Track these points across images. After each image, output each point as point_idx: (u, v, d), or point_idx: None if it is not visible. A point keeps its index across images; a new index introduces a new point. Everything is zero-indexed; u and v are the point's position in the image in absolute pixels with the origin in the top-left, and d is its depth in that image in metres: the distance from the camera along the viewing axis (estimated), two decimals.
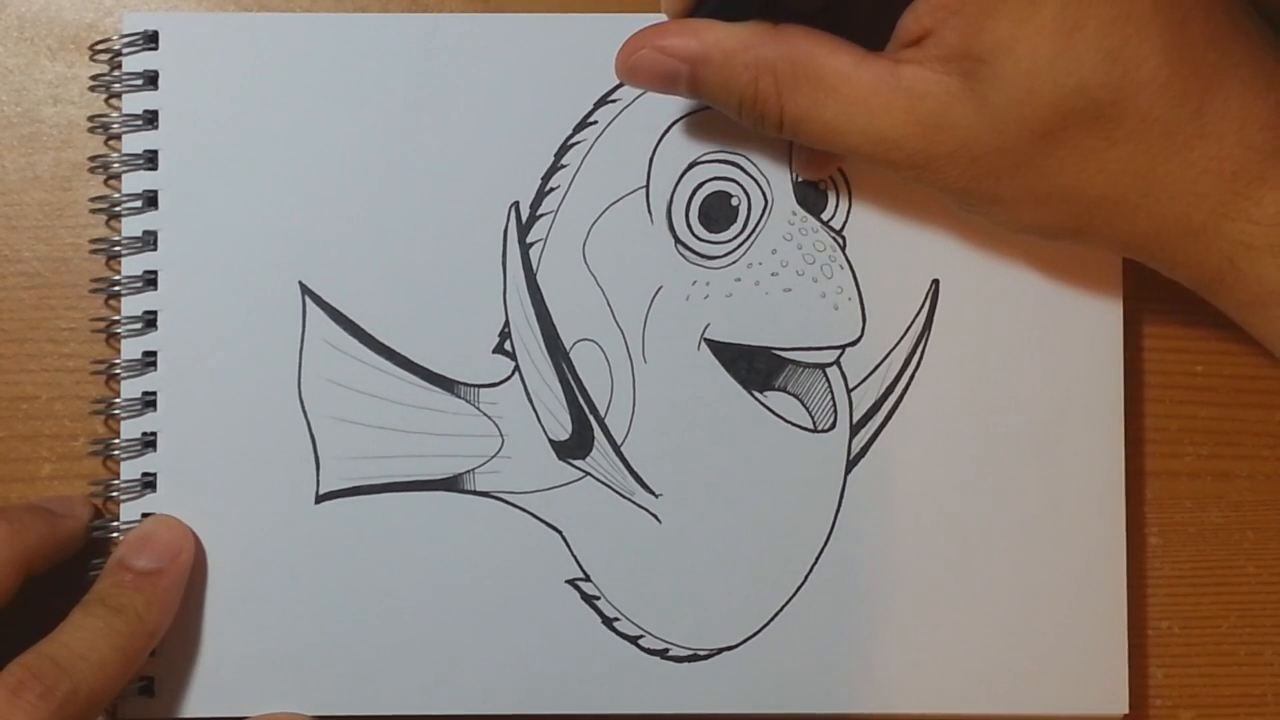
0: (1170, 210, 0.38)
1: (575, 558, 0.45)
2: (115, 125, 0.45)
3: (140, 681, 0.44)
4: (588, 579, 0.45)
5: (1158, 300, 0.46)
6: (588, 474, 0.45)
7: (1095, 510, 0.45)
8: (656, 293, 0.45)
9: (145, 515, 0.44)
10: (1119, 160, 0.38)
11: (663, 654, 0.44)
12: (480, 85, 0.45)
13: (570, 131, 0.45)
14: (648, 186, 0.45)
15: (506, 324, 0.45)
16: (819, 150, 0.42)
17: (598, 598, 0.44)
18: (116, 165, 0.45)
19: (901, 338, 0.45)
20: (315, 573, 0.44)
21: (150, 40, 0.45)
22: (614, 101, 0.45)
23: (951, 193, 0.40)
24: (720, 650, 0.45)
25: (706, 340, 0.45)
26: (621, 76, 0.41)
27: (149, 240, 0.45)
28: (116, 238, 0.45)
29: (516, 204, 0.45)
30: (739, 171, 0.45)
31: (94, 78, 0.45)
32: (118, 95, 0.45)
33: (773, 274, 0.45)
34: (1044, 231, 0.41)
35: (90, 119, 0.45)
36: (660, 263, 0.45)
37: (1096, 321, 0.45)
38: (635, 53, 0.41)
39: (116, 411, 0.44)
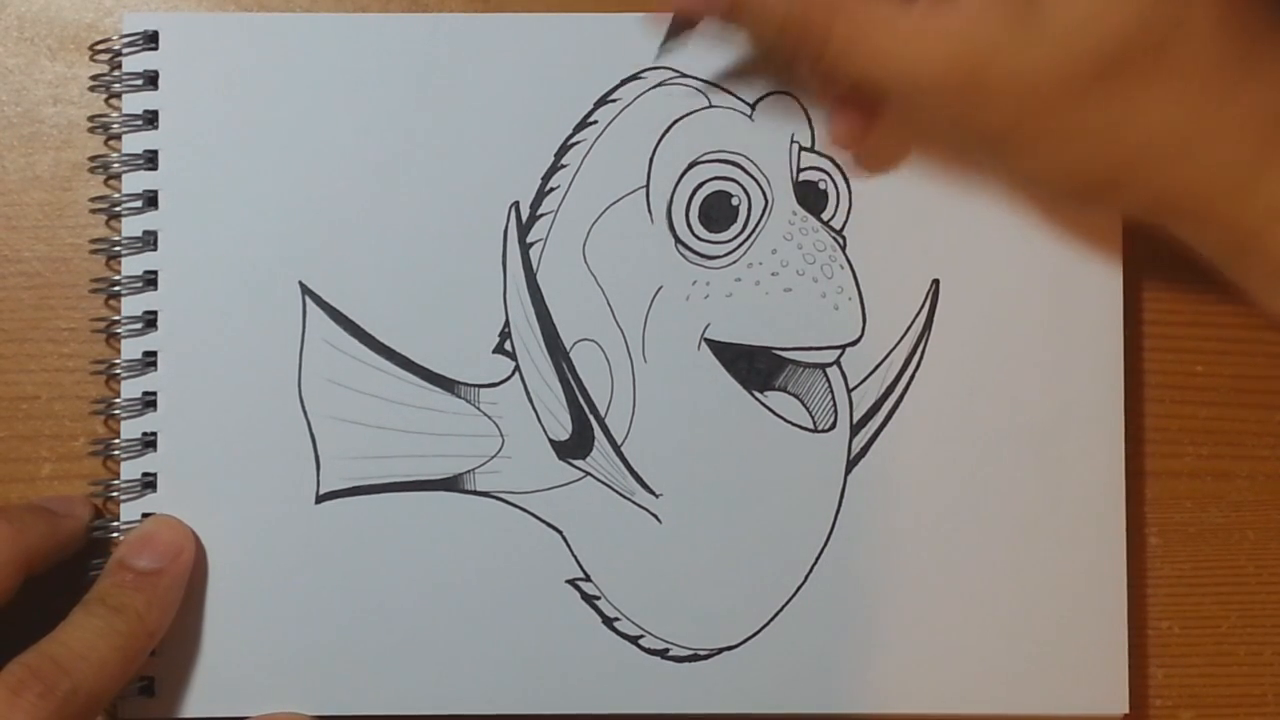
0: (1212, 159, 0.38)
1: (575, 558, 0.45)
2: (115, 125, 0.45)
3: (140, 681, 0.44)
4: (588, 579, 0.45)
5: (1158, 301, 0.46)
6: (588, 474, 0.45)
7: (1095, 510, 0.45)
8: (657, 293, 0.45)
9: (145, 515, 0.44)
10: (1166, 99, 0.37)
11: (663, 654, 0.44)
12: (480, 85, 0.45)
13: (570, 131, 0.45)
14: (648, 186, 0.45)
15: (506, 324, 0.45)
16: (855, 104, 0.41)
17: (598, 598, 0.44)
18: (116, 165, 0.45)
19: (902, 338, 0.45)
20: (315, 573, 0.44)
21: (150, 40, 0.45)
22: (614, 101, 0.45)
23: (992, 135, 0.39)
24: (720, 650, 0.45)
25: (707, 340, 0.45)
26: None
27: (149, 240, 0.44)
28: (116, 238, 0.45)
29: (516, 204, 0.45)
30: (739, 171, 0.45)
31: (94, 78, 0.46)
32: (118, 95, 0.45)
33: (773, 274, 0.45)
34: (1078, 183, 0.40)
35: (90, 119, 0.45)
36: (660, 262, 0.45)
37: (1096, 322, 0.45)
38: None
39: (116, 411, 0.44)
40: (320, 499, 0.44)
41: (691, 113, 0.45)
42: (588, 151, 0.45)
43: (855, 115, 0.43)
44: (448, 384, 0.45)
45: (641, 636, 0.44)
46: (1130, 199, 0.40)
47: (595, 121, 0.45)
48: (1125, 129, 0.38)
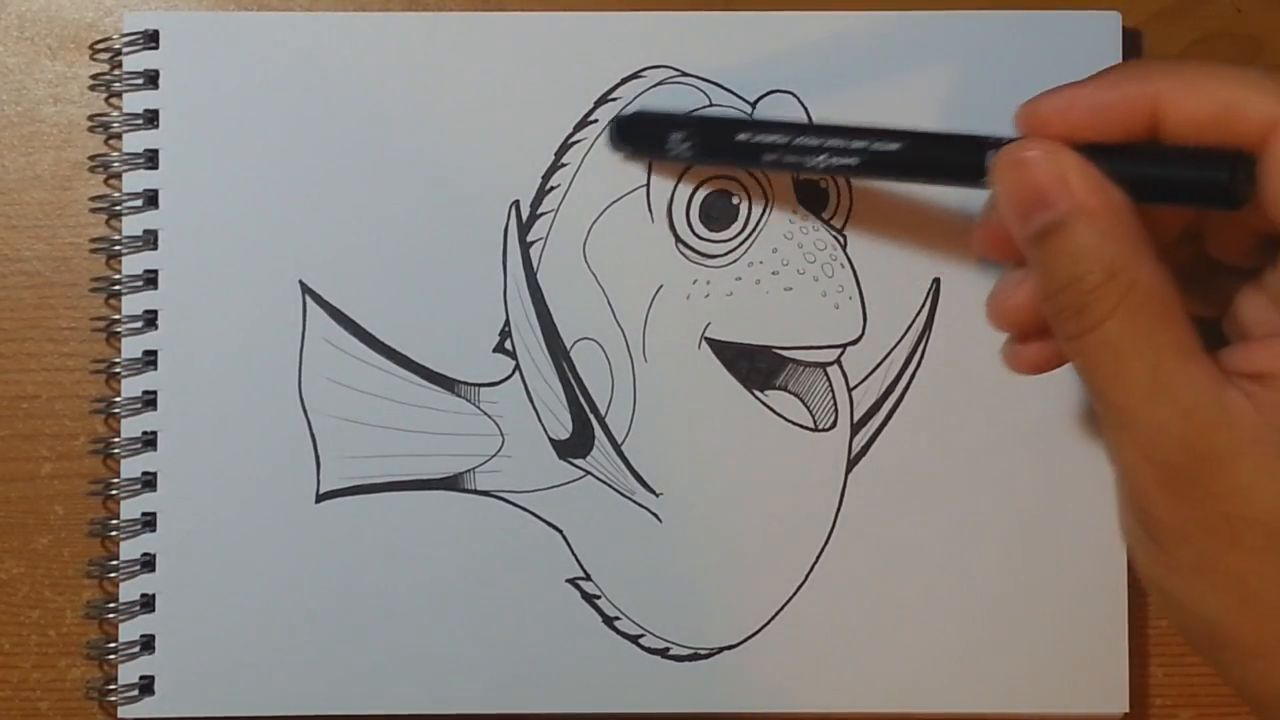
0: None
1: (576, 557, 0.45)
2: (115, 124, 0.45)
3: (141, 681, 0.44)
4: (588, 578, 0.45)
5: None
6: (588, 473, 0.45)
7: (1095, 509, 0.45)
8: (657, 292, 0.45)
9: (145, 514, 0.44)
10: None
11: (663, 653, 0.44)
12: (480, 84, 0.45)
13: (571, 130, 0.45)
14: (648, 185, 0.45)
15: (507, 323, 0.45)
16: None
17: (598, 597, 0.44)
18: (117, 164, 0.45)
19: (902, 337, 0.45)
20: (315, 573, 0.44)
21: (150, 39, 0.45)
22: (614, 100, 0.45)
23: (1167, 535, 0.33)
24: (721, 649, 0.45)
25: (707, 339, 0.45)
26: (999, 159, 0.35)
27: (149, 239, 0.45)
28: (117, 237, 0.45)
29: (517, 203, 0.45)
30: (740, 170, 0.45)
31: (94, 77, 0.45)
32: (118, 94, 0.45)
33: (773, 273, 0.45)
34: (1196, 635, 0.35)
35: (90, 118, 0.45)
36: (661, 261, 0.45)
37: None
38: (1030, 151, 0.34)
39: (117, 410, 0.44)
40: (320, 498, 0.44)
41: (691, 111, 0.45)
42: (588, 150, 0.45)
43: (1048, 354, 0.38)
44: (448, 383, 0.45)
45: (641, 636, 0.44)
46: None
47: (596, 120, 0.45)
48: None
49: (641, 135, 0.44)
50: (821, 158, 0.40)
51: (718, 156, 0.43)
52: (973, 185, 0.36)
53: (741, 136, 0.41)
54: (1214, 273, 0.37)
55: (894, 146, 0.39)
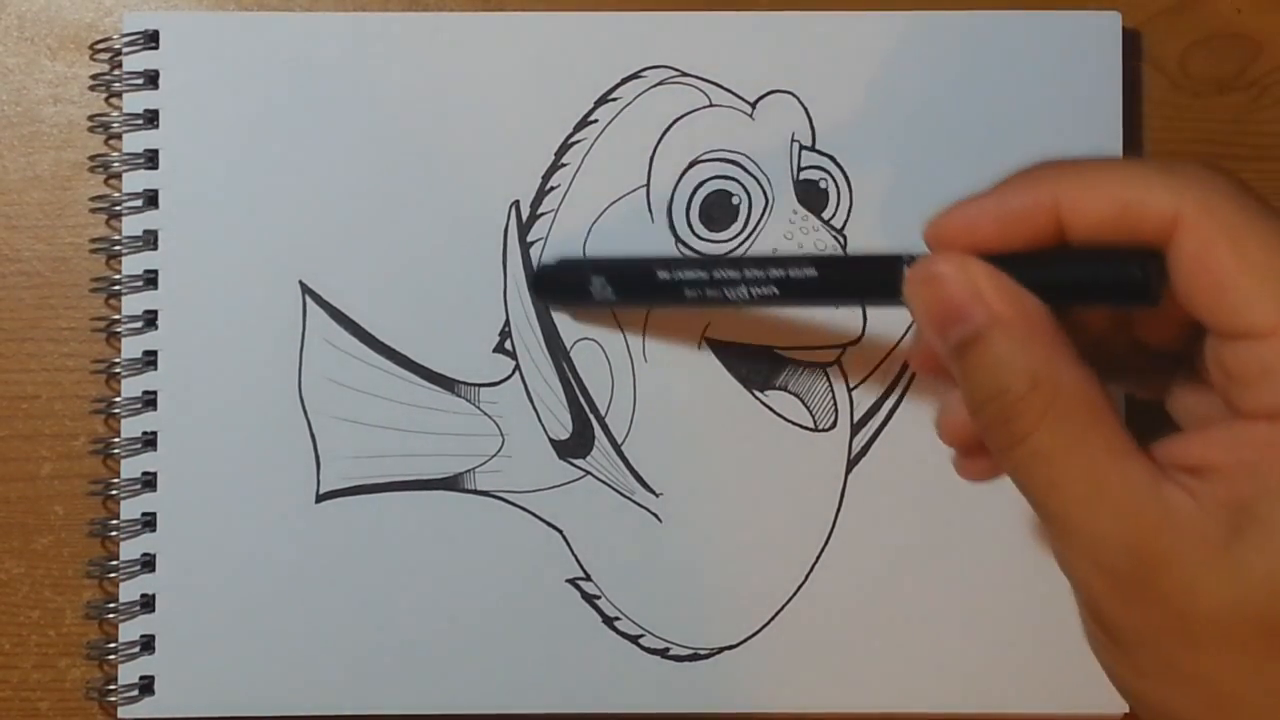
0: None
1: (575, 557, 0.45)
2: (115, 125, 0.45)
3: (141, 681, 0.44)
4: (588, 578, 0.44)
5: None
6: (588, 473, 0.45)
7: None
8: None
9: (145, 514, 0.44)
10: None
11: (663, 653, 0.44)
12: (480, 84, 0.45)
13: (570, 130, 0.45)
14: (648, 185, 0.45)
15: (507, 323, 0.45)
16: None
17: (598, 597, 0.44)
18: (117, 164, 0.45)
19: (902, 337, 0.45)
20: (315, 573, 0.44)
21: (150, 40, 0.45)
22: (614, 100, 0.45)
23: (1127, 639, 0.32)
24: (720, 650, 0.45)
25: (707, 339, 0.45)
26: (910, 276, 0.34)
27: (149, 239, 0.45)
28: (117, 237, 0.45)
29: (517, 203, 0.45)
30: (740, 170, 0.45)
31: (94, 77, 0.45)
32: (118, 95, 0.45)
33: None
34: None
35: (90, 118, 0.45)
36: None
37: None
38: (940, 267, 0.33)
39: (117, 410, 0.44)
40: (320, 498, 0.44)
41: (692, 111, 0.45)
42: (588, 150, 0.45)
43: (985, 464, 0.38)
44: (448, 383, 0.45)
45: (641, 636, 0.44)
46: None
47: (595, 120, 0.45)
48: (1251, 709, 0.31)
49: (564, 284, 0.44)
50: (742, 289, 0.39)
51: (642, 297, 0.43)
52: (894, 303, 0.35)
53: (662, 275, 0.40)
54: (1150, 358, 0.36)
55: (811, 272, 0.38)
